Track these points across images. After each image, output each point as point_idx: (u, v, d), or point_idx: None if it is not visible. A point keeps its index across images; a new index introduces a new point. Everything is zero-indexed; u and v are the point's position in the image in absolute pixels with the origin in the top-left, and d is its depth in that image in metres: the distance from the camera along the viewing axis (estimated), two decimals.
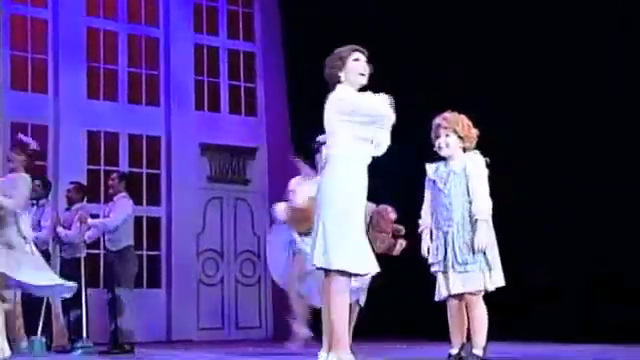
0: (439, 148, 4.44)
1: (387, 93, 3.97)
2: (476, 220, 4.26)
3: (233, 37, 10.34)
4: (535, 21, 7.39)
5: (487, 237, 4.27)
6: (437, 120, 4.49)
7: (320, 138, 5.83)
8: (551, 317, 6.96)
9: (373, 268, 4.00)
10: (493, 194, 4.43)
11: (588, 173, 6.98)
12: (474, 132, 4.46)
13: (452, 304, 4.36)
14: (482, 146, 4.53)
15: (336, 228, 3.91)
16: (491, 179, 4.46)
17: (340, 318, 3.90)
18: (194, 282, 9.74)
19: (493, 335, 4.35)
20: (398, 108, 3.91)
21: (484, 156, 4.46)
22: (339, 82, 4.05)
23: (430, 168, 4.51)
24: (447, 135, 4.41)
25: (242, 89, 10.35)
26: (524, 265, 6.53)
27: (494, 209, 4.39)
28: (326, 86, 4.15)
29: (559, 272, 7.09)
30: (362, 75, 4.03)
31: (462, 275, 4.25)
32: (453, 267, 4.26)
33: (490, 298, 4.35)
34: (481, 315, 4.26)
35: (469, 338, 4.32)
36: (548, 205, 7.18)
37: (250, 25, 10.44)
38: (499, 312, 4.52)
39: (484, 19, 7.77)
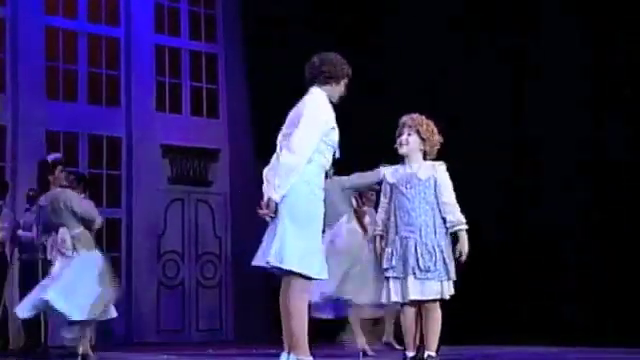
0: (399, 145, 4.38)
1: (350, 92, 4.07)
2: (456, 231, 4.31)
3: (195, 38, 10.36)
4: None
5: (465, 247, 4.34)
6: (403, 118, 4.47)
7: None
8: (499, 321, 7.07)
9: (324, 274, 4.07)
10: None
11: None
12: (437, 138, 4.43)
13: (409, 310, 4.32)
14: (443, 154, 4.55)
15: (297, 232, 3.97)
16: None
17: (300, 320, 3.96)
18: (154, 284, 9.73)
19: (445, 339, 4.40)
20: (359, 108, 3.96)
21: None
22: (322, 83, 4.14)
23: (388, 171, 4.48)
24: (409, 134, 4.37)
25: (204, 90, 10.36)
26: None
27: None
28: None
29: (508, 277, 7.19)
30: (339, 98, 4.20)
31: (421, 282, 4.27)
32: (414, 274, 4.23)
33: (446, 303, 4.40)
34: (437, 320, 4.32)
35: (421, 341, 4.37)
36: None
37: (212, 26, 10.45)
38: (453, 317, 4.54)
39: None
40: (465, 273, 4.33)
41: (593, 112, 7.04)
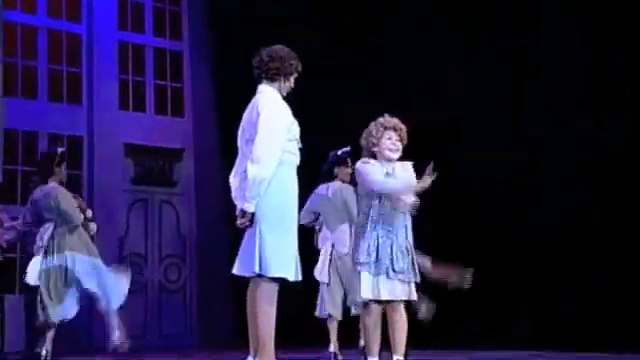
0: (390, 150, 4.38)
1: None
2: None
3: (159, 35, 10.27)
4: None
5: None
6: (393, 121, 4.45)
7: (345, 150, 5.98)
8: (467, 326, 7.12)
9: (300, 276, 4.09)
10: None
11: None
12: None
13: (375, 309, 4.33)
14: None
15: (273, 236, 3.98)
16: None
17: (267, 325, 3.97)
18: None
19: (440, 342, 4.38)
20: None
21: None
22: (270, 79, 4.12)
23: (376, 166, 4.43)
24: (398, 139, 4.40)
25: (169, 89, 10.27)
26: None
27: None
28: (254, 88, 4.18)
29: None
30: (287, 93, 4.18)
31: (392, 282, 4.28)
32: (387, 274, 4.26)
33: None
34: (404, 323, 4.33)
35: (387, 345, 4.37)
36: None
37: (177, 23, 10.37)
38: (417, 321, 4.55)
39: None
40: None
41: (593, 112, 7.07)
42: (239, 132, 4.20)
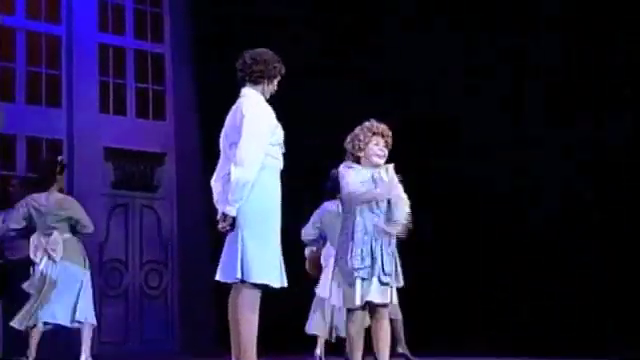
0: (377, 155, 4.39)
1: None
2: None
3: (140, 37, 10.19)
4: None
5: None
6: (381, 126, 4.46)
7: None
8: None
9: (285, 282, 4.08)
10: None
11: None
12: None
13: (359, 317, 4.32)
14: None
15: (255, 242, 3.96)
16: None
17: (250, 332, 3.96)
18: (96, 294, 9.51)
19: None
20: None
21: None
22: (254, 82, 4.10)
23: (363, 172, 4.43)
24: (385, 145, 4.41)
25: (150, 92, 10.20)
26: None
27: None
28: (237, 91, 4.18)
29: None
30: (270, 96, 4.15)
31: (382, 287, 4.28)
32: (378, 277, 4.26)
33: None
34: (388, 328, 4.34)
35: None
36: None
37: (159, 25, 10.31)
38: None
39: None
40: (464, 273, 4.39)
41: (593, 112, 7.12)
42: (222, 136, 4.17)
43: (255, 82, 4.12)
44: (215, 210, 4.13)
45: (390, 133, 4.43)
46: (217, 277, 4.06)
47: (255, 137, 3.96)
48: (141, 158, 10.00)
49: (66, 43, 9.65)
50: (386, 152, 4.41)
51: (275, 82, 4.17)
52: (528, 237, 7.24)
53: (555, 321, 7.06)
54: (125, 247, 9.90)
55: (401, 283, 4.37)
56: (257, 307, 4.01)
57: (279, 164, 4.12)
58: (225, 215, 3.97)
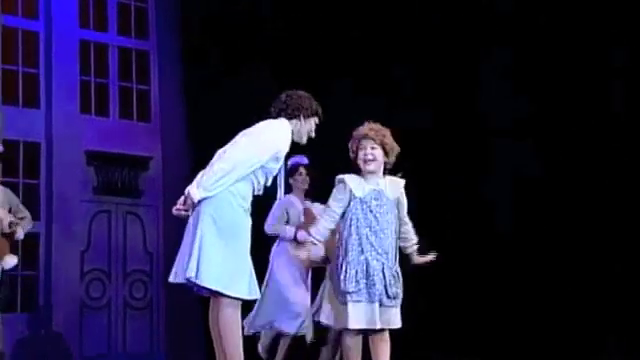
0: (364, 161, 4.29)
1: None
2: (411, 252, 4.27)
3: (124, 33, 10.07)
4: None
5: None
6: (363, 130, 4.35)
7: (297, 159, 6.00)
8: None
9: (257, 294, 4.16)
10: None
11: None
12: (396, 147, 4.36)
13: (357, 339, 4.24)
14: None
15: (224, 245, 3.98)
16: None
17: (233, 342, 4.00)
18: (77, 306, 9.45)
19: None
20: None
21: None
22: (287, 118, 4.20)
23: (352, 181, 4.31)
24: (373, 147, 4.31)
25: (134, 91, 10.10)
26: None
27: None
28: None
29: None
30: (308, 137, 4.27)
31: (387, 310, 4.18)
32: (381, 301, 4.18)
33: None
34: (388, 351, 4.26)
35: None
36: None
37: (143, 21, 10.18)
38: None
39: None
40: (471, 280, 4.39)
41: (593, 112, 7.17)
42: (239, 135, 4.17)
43: (290, 117, 4.22)
44: None
45: (379, 130, 4.33)
46: (171, 279, 4.18)
47: (257, 147, 4.01)
48: (125, 162, 9.90)
49: (44, 39, 9.51)
50: (376, 155, 4.28)
51: (312, 122, 4.25)
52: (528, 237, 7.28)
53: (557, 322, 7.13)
54: (108, 256, 9.85)
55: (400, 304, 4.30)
56: (239, 320, 4.05)
57: (258, 189, 4.14)
58: (187, 197, 3.91)
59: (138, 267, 9.93)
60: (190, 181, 4.11)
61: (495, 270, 7.20)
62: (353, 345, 4.28)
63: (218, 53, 8.98)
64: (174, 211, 4.03)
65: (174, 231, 9.67)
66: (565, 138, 7.26)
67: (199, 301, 7.47)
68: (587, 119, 7.15)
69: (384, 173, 4.38)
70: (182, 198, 4.02)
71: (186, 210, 4.00)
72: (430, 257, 4.36)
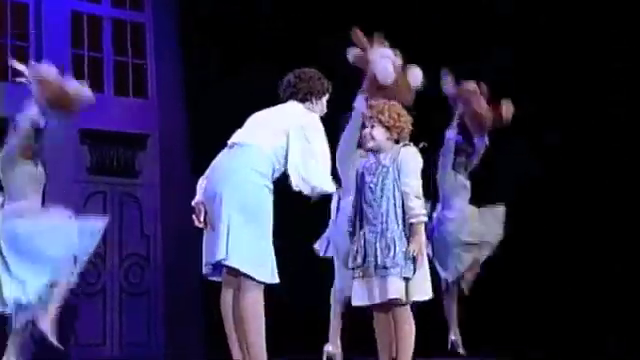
0: (365, 141, 4.47)
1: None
2: (411, 223, 4.22)
3: (118, 5, 10.00)
4: None
5: (422, 243, 4.22)
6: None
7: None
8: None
9: (277, 279, 4.18)
10: None
11: None
12: (405, 121, 4.38)
13: (379, 317, 4.30)
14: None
15: (250, 227, 4.05)
16: None
17: (256, 328, 4.03)
18: (70, 291, 9.53)
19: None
20: None
21: (419, 142, 4.41)
22: (300, 101, 4.37)
23: (362, 158, 4.50)
24: (372, 126, 4.41)
25: (130, 66, 10.06)
26: None
27: None
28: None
29: None
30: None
31: (382, 280, 4.21)
32: (375, 272, 4.23)
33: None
34: (409, 332, 4.25)
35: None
36: None
37: None
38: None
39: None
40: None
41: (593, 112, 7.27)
42: (252, 120, 4.30)
43: (302, 100, 4.36)
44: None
45: (372, 112, 4.43)
46: (209, 260, 4.15)
47: (320, 143, 4.27)
48: (120, 140, 9.87)
49: (34, 11, 9.46)
50: (375, 133, 4.39)
51: (324, 100, 4.42)
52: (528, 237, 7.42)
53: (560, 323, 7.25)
54: (103, 239, 9.83)
55: (408, 274, 4.24)
56: (262, 304, 4.08)
57: (280, 171, 4.29)
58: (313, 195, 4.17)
59: (135, 251, 9.91)
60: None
61: (495, 270, 7.23)
62: (381, 326, 4.35)
63: (217, 24, 9.02)
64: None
65: (172, 213, 9.72)
66: (565, 138, 7.34)
67: (199, 287, 7.50)
68: (587, 119, 7.24)
69: (403, 145, 4.43)
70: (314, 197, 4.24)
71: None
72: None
